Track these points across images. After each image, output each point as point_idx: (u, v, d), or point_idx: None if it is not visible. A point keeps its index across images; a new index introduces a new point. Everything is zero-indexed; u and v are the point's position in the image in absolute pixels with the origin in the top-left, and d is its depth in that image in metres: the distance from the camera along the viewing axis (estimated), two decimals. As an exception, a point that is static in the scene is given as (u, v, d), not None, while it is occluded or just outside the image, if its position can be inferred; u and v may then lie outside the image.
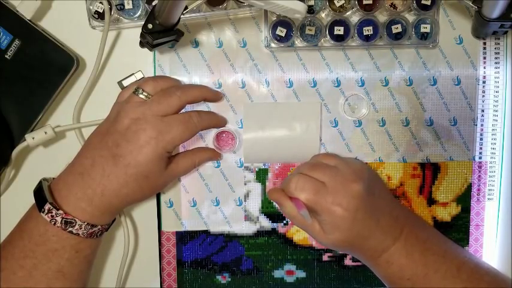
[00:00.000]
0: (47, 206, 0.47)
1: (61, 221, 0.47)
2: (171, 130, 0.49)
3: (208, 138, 0.58)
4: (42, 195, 0.48)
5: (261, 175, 0.59)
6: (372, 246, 0.51)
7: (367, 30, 0.55)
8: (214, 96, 0.56)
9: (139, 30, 0.48)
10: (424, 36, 0.55)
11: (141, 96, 0.50)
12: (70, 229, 0.47)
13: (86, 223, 0.48)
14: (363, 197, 0.50)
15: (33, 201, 0.49)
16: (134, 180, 0.48)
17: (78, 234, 0.48)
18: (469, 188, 0.59)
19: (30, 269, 0.47)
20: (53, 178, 0.51)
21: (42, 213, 0.47)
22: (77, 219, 0.47)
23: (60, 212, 0.47)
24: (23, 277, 0.47)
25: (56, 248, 0.47)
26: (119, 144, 0.48)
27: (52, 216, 0.47)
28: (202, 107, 0.57)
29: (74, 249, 0.48)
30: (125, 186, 0.48)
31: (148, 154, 0.48)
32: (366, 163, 0.58)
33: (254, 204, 0.59)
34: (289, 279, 0.61)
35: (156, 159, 0.49)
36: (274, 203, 0.59)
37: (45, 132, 0.55)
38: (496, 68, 0.57)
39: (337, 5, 0.55)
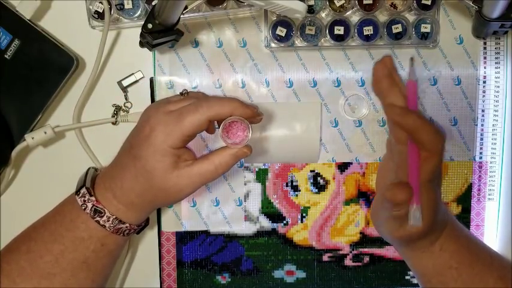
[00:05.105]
0: (83, 190, 0.48)
1: (91, 207, 0.48)
2: (178, 123, 0.46)
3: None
4: (84, 180, 0.50)
5: (261, 175, 0.59)
6: (436, 229, 0.48)
7: (367, 30, 0.55)
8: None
9: (139, 30, 0.48)
10: (424, 36, 0.55)
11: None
12: (98, 219, 0.48)
13: (114, 217, 0.48)
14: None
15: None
16: (141, 175, 0.47)
17: (105, 226, 0.48)
18: (470, 188, 0.59)
19: (57, 255, 0.48)
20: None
21: (77, 196, 0.48)
22: (106, 210, 0.48)
23: (93, 198, 0.48)
24: (49, 262, 0.47)
25: (83, 237, 0.48)
26: (133, 135, 0.49)
27: (84, 200, 0.48)
28: None
29: (100, 242, 0.48)
30: (136, 180, 0.47)
31: (150, 147, 0.46)
32: None
33: (254, 205, 0.59)
34: (289, 279, 0.61)
35: (159, 155, 0.46)
36: (274, 203, 0.59)
37: (45, 132, 0.55)
38: (496, 68, 0.57)
39: (337, 4, 0.55)
